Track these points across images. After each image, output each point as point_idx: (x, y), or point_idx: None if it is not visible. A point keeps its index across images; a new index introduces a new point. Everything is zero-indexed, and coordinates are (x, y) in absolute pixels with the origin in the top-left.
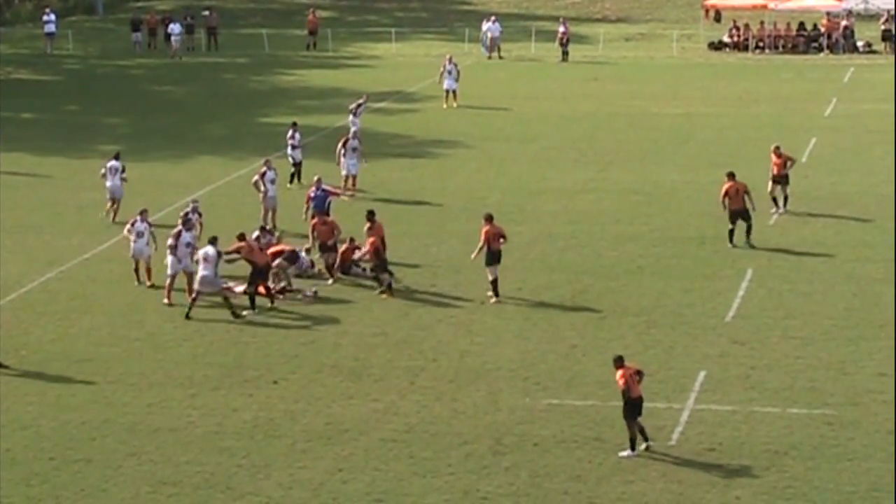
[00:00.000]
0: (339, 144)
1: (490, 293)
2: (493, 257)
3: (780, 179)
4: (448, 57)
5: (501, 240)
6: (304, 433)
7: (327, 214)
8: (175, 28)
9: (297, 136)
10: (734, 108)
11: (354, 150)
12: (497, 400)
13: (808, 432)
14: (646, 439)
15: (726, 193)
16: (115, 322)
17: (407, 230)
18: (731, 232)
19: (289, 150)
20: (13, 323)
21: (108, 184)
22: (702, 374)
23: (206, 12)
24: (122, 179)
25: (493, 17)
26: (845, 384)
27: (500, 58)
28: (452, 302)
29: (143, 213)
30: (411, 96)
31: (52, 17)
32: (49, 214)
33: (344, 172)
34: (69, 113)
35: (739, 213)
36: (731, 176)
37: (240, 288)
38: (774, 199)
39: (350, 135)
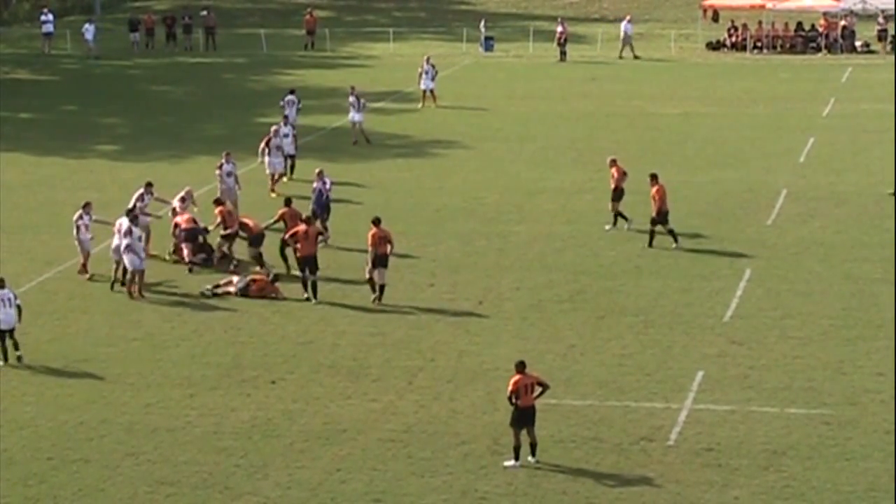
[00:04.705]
0: (262, 143)
1: (374, 297)
2: (380, 261)
3: (618, 194)
4: (426, 57)
5: (389, 245)
6: (302, 433)
7: (328, 209)
8: (89, 28)
9: (286, 129)
10: (732, 108)
11: (279, 147)
12: (495, 400)
13: (807, 432)
14: (532, 454)
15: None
16: (112, 322)
17: (405, 230)
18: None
19: (279, 142)
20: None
21: (287, 112)
22: (700, 373)
23: (205, 12)
24: (298, 110)
25: (628, 17)
26: (843, 384)
27: (636, 57)
28: (450, 302)
29: (86, 206)
30: (409, 96)
31: (50, 16)
32: (47, 214)
33: (269, 171)
34: (67, 113)
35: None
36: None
37: (234, 287)
38: (616, 215)
39: (272, 133)
